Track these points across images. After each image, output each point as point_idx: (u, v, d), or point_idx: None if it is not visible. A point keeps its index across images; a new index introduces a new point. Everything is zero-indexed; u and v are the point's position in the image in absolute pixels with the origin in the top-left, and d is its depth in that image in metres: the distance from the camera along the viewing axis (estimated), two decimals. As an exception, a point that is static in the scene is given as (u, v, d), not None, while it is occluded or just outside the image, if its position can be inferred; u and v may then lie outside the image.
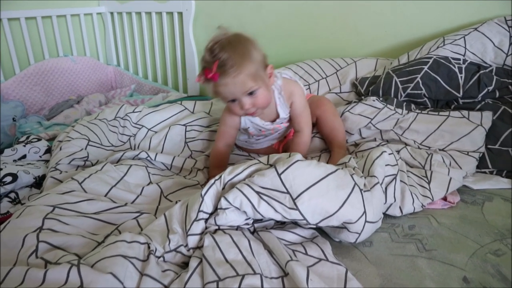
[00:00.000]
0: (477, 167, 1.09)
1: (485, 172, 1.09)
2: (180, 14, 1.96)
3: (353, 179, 0.76)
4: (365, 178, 0.82)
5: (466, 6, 1.33)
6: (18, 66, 1.97)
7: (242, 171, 0.78)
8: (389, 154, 0.92)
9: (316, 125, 1.20)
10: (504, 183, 1.01)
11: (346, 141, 1.19)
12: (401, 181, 0.91)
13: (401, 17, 1.45)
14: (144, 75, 2.31)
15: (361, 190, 0.75)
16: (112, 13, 2.31)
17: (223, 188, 0.77)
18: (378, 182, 0.81)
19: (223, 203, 0.73)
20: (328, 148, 1.18)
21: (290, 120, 1.11)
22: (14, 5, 1.96)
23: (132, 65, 2.35)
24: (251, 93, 0.93)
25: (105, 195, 0.88)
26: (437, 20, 1.39)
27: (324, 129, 1.17)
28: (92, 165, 1.02)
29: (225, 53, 0.88)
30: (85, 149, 1.06)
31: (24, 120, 1.81)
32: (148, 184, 0.96)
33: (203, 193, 0.75)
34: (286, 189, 0.72)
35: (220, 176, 0.78)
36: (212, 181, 0.77)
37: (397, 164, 0.91)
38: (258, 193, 0.72)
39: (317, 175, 0.73)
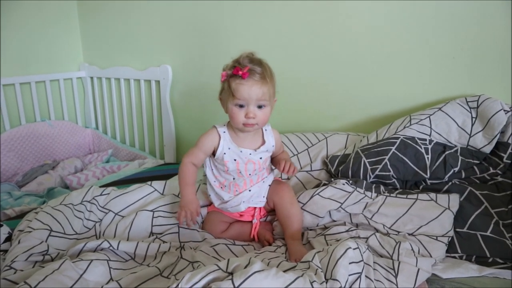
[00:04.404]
0: (447, 251, 1.08)
1: (454, 257, 1.08)
2: (158, 82, 2.00)
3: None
4: (327, 282, 0.80)
5: (430, 85, 1.38)
6: (-8, 132, 1.96)
7: (200, 280, 0.75)
8: (354, 249, 0.90)
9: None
10: (474, 271, 0.99)
11: (317, 225, 1.18)
12: (366, 276, 0.89)
13: (371, 93, 1.49)
14: (121, 139, 2.30)
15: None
16: (92, 78, 2.34)
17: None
18: (340, 287, 0.79)
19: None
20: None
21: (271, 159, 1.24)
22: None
23: (110, 129, 2.35)
24: (260, 107, 1.07)
25: (61, 300, 0.84)
26: (404, 97, 1.43)
27: (279, 217, 1.18)
28: (52, 259, 0.98)
29: (260, 67, 1.05)
30: (46, 241, 1.02)
31: (-6, 190, 1.77)
32: (108, 283, 0.92)
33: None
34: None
35: (177, 285, 0.75)
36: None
37: (362, 260, 0.89)
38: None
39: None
